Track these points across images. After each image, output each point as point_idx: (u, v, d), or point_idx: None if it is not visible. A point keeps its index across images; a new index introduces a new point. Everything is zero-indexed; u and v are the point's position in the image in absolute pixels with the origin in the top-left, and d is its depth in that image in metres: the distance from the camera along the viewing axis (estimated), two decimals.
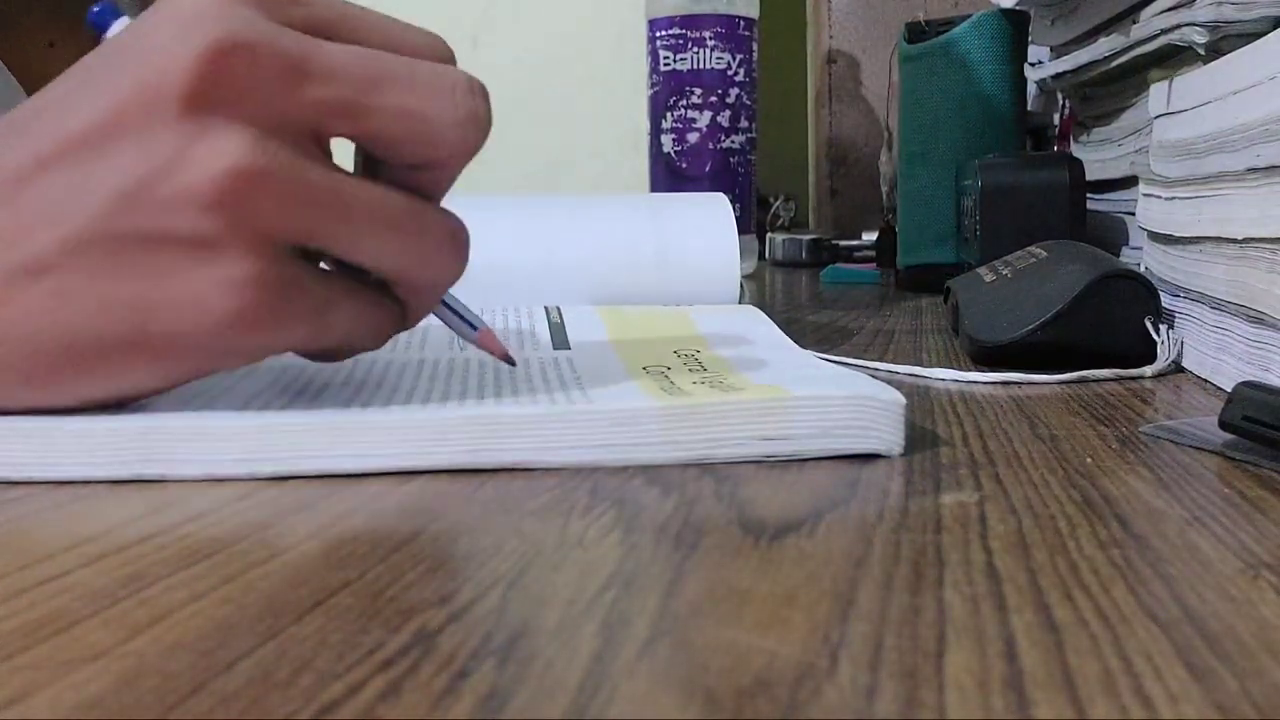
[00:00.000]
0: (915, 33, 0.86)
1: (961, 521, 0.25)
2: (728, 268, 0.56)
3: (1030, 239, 0.56)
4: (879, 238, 1.00)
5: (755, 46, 0.95)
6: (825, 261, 1.13)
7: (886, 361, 0.47)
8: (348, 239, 0.28)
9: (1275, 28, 0.43)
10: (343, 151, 0.30)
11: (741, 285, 0.56)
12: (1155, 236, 0.51)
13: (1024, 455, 0.31)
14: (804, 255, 1.20)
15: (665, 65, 0.93)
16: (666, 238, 0.56)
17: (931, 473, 0.29)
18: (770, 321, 0.48)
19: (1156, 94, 0.51)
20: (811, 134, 1.43)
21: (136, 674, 0.17)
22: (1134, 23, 0.58)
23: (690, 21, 0.92)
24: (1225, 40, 0.48)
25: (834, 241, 1.20)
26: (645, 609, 0.20)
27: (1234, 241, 0.40)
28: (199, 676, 0.17)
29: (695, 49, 0.92)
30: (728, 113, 0.93)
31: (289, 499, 0.27)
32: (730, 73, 0.93)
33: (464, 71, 0.30)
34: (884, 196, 1.01)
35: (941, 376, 0.44)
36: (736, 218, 0.58)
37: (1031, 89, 0.88)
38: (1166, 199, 0.49)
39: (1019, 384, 0.43)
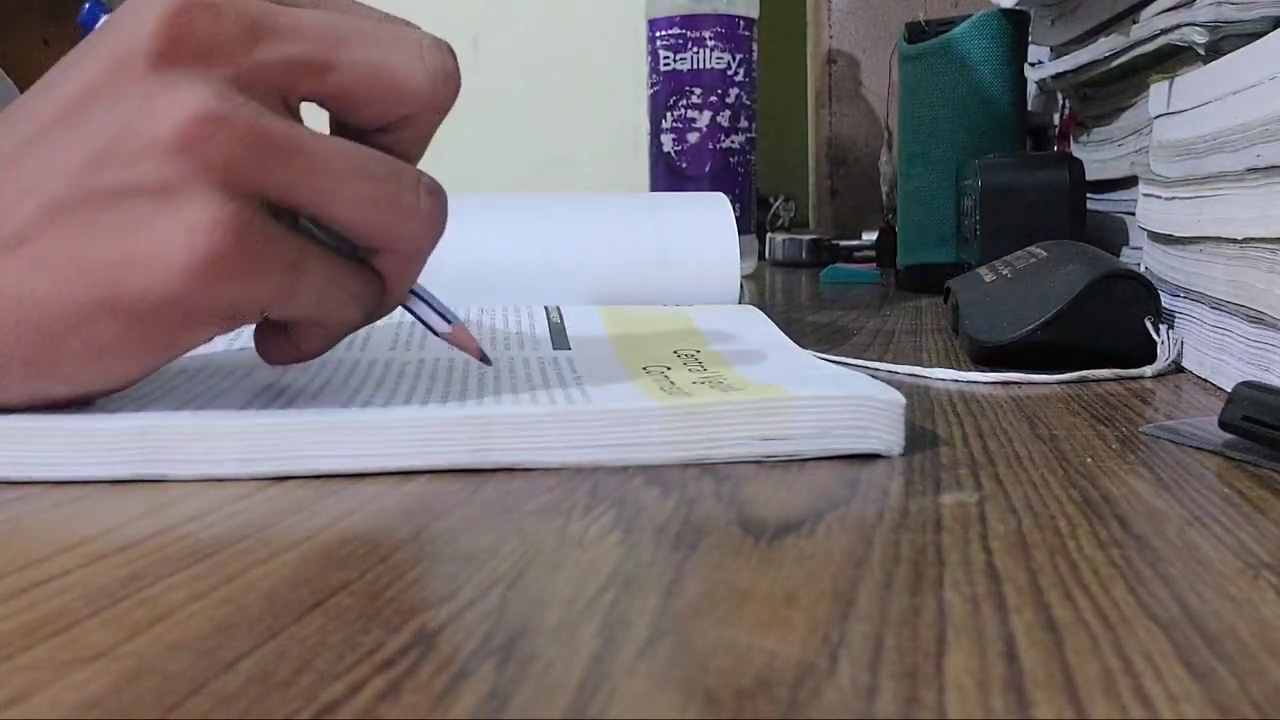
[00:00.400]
0: (915, 33, 0.86)
1: (961, 521, 0.25)
2: (728, 268, 0.56)
3: (1030, 239, 0.56)
4: (879, 238, 1.00)
5: (755, 46, 0.95)
6: (825, 261, 1.13)
7: (886, 361, 0.47)
8: (317, 191, 0.28)
9: (1275, 28, 0.43)
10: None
11: (741, 285, 0.56)
12: (1155, 236, 0.51)
13: (1024, 455, 0.31)
14: (804, 255, 1.20)
15: (665, 65, 0.93)
16: (666, 238, 0.56)
17: (931, 473, 0.29)
18: (770, 321, 0.48)
19: (1156, 94, 0.51)
20: (811, 134, 1.43)
21: (136, 674, 0.17)
22: (1134, 23, 0.58)
23: (690, 21, 0.92)
24: (1225, 40, 0.48)
25: (834, 241, 1.20)
26: (645, 609, 0.20)
27: (1234, 241, 0.40)
28: (199, 676, 0.17)
29: (695, 49, 0.92)
30: (728, 113, 0.93)
31: (289, 499, 0.27)
32: (730, 73, 0.93)
33: (430, 33, 0.30)
34: (884, 196, 1.01)
35: (941, 376, 0.44)
36: (736, 218, 0.58)
37: (1031, 89, 0.88)
38: (1166, 199, 0.49)
39: (1019, 384, 0.43)
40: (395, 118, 0.30)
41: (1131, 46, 0.59)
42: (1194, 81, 0.47)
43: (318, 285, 0.29)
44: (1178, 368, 0.45)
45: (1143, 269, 0.52)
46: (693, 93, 0.93)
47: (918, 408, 0.38)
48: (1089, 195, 0.68)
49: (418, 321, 0.34)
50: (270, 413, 0.30)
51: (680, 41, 0.93)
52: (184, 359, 0.36)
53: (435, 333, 0.33)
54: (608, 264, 0.55)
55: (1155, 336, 0.45)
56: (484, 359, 0.34)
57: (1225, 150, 0.42)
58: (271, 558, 0.22)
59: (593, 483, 0.28)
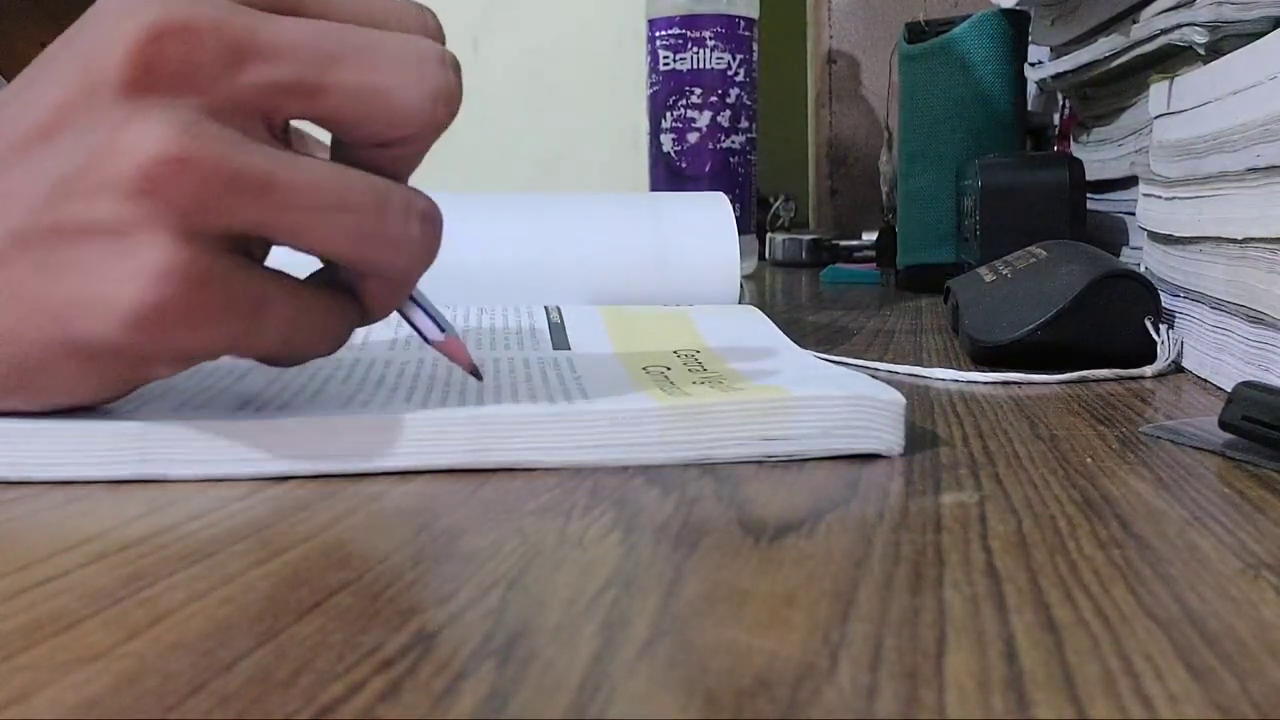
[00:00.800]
0: (915, 33, 0.86)
1: (961, 521, 0.25)
2: (728, 268, 0.56)
3: (1030, 239, 0.56)
4: (879, 238, 1.00)
5: (755, 46, 0.95)
6: (825, 261, 1.13)
7: (886, 361, 0.47)
8: (292, 227, 0.27)
9: (1275, 28, 0.43)
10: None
11: (741, 285, 0.56)
12: (1155, 236, 0.51)
13: (1024, 455, 0.31)
14: (804, 255, 1.20)
15: (665, 65, 0.93)
16: (666, 237, 0.56)
17: (931, 473, 0.29)
18: (770, 322, 0.48)
19: (1156, 94, 0.51)
20: (811, 134, 1.43)
21: (136, 674, 0.17)
22: (1134, 23, 0.58)
23: (690, 21, 0.92)
24: (1225, 40, 0.48)
25: (834, 241, 1.20)
26: (645, 609, 0.20)
27: (1234, 241, 0.40)
28: (199, 676, 0.17)
29: (695, 49, 0.92)
30: (728, 113, 0.93)
31: (289, 499, 0.27)
32: (730, 73, 0.93)
33: (434, 43, 0.28)
34: (884, 196, 1.01)
35: (941, 376, 0.44)
36: (736, 218, 0.58)
37: (1031, 89, 0.88)
38: (1166, 199, 0.49)
39: (1019, 384, 0.43)
40: (389, 139, 0.28)
41: (1131, 46, 0.59)
42: (1194, 81, 0.47)
43: (283, 328, 0.28)
44: (1178, 368, 0.45)
45: (1143, 269, 0.52)
46: (693, 93, 0.93)
47: (918, 408, 0.38)
48: (1089, 195, 0.68)
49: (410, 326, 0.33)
50: (269, 413, 0.30)
51: (680, 41, 0.93)
52: None
53: (427, 340, 0.32)
54: (608, 264, 0.55)
55: (1155, 336, 0.45)
56: (475, 373, 0.33)
57: (1225, 150, 0.42)
58: (271, 558, 0.22)
59: (593, 483, 0.28)
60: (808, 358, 0.40)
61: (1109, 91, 0.69)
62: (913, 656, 0.17)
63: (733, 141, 0.93)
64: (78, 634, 0.18)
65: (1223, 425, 0.31)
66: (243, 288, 0.27)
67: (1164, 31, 0.53)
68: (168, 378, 0.29)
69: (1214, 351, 0.42)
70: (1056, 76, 0.72)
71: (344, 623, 0.19)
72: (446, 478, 0.29)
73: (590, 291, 0.54)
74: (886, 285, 0.92)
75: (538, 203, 0.58)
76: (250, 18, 0.26)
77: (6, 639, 0.18)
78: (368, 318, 0.30)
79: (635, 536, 0.24)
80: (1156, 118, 0.52)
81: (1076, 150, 0.75)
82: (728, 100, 0.93)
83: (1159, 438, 0.33)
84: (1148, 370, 0.44)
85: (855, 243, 1.18)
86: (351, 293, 0.29)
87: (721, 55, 0.92)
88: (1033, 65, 0.81)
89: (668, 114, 0.94)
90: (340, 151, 0.29)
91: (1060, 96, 0.92)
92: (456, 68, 0.28)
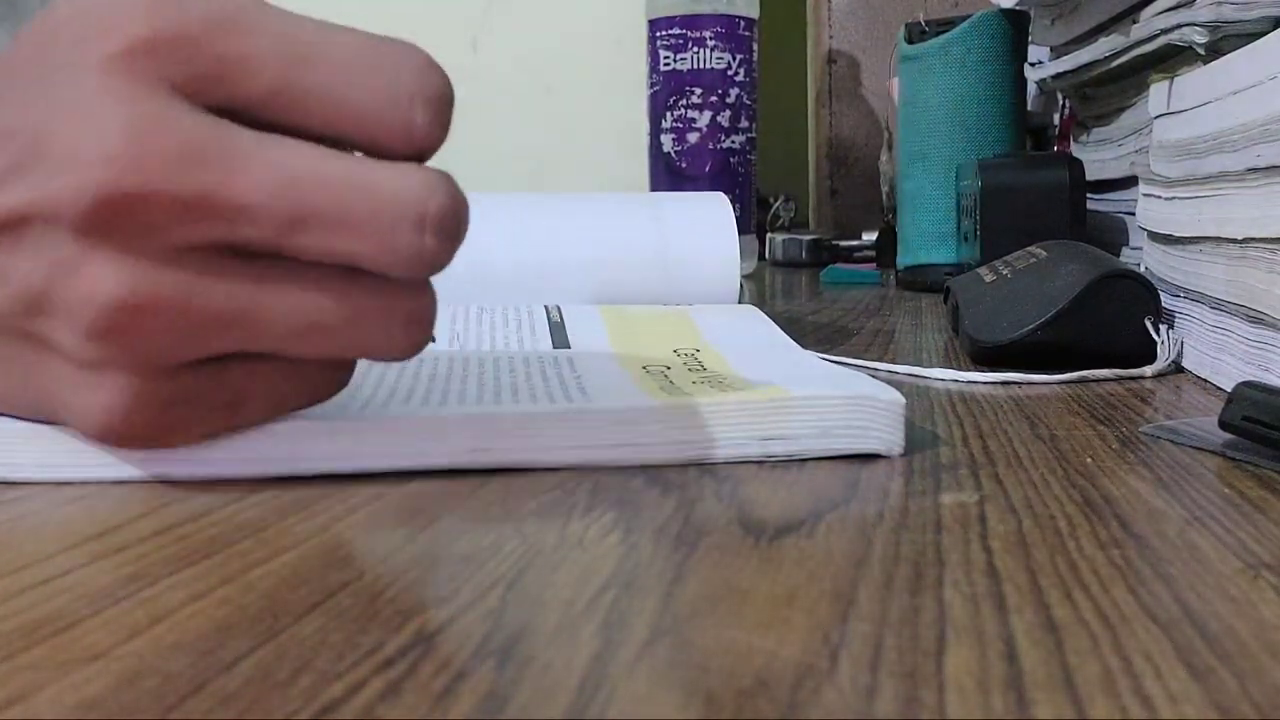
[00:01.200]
0: (915, 33, 0.86)
1: (961, 521, 0.25)
2: (728, 267, 0.56)
3: (1030, 239, 0.56)
4: (879, 238, 1.00)
5: (755, 46, 0.95)
6: (825, 261, 1.13)
7: (886, 361, 0.47)
8: (266, 348, 0.26)
9: (1275, 28, 0.43)
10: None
11: (741, 285, 0.56)
12: (1155, 236, 0.51)
13: (1024, 455, 0.31)
14: (804, 255, 1.20)
15: (665, 65, 0.93)
16: (666, 237, 0.56)
17: (931, 473, 0.29)
18: (770, 321, 0.48)
19: (1156, 94, 0.51)
20: (811, 134, 1.43)
21: (136, 674, 0.17)
22: (1134, 23, 0.58)
23: (690, 21, 0.92)
24: (1225, 40, 0.48)
25: (834, 241, 1.20)
26: (645, 609, 0.20)
27: (1234, 241, 0.40)
28: (199, 676, 0.17)
29: (695, 49, 0.92)
30: (728, 113, 0.93)
31: (289, 499, 0.27)
32: (730, 73, 0.93)
33: (422, 190, 0.25)
34: (884, 196, 1.01)
35: (941, 376, 0.44)
36: (736, 218, 0.58)
37: (1031, 89, 0.88)
38: (1166, 199, 0.49)
39: (1019, 384, 0.43)
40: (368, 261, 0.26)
41: (1131, 46, 0.59)
42: (1194, 81, 0.47)
43: (263, 409, 0.28)
44: (1178, 368, 0.45)
45: (1143, 269, 0.52)
46: (693, 93, 0.93)
47: (918, 408, 0.38)
48: (1089, 195, 0.68)
49: None
50: None
51: (680, 41, 0.93)
52: None
53: None
54: (608, 264, 0.55)
55: (1155, 336, 0.45)
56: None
57: (1225, 150, 0.42)
58: (271, 558, 0.22)
59: (593, 483, 0.28)
60: (808, 357, 0.40)
61: (1109, 91, 0.69)
62: (913, 656, 0.17)
63: (733, 141, 0.93)
64: (78, 634, 0.18)
65: (1223, 425, 0.31)
66: (214, 394, 0.27)
67: (1164, 31, 0.53)
68: None
69: (1214, 351, 0.42)
70: (1056, 76, 0.72)
71: (344, 623, 0.19)
72: (446, 478, 0.29)
73: (590, 291, 0.54)
74: (886, 285, 0.92)
75: (538, 203, 0.58)
76: (212, 173, 0.24)
77: (6, 639, 0.18)
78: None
79: (635, 536, 0.24)
80: (1156, 118, 0.52)
81: (1076, 150, 0.75)
82: (728, 100, 0.93)
83: (1159, 438, 0.33)
84: (1148, 370, 0.44)
85: (855, 243, 1.18)
86: None
87: (721, 55, 0.92)
88: (1033, 65, 0.81)
89: (668, 114, 0.94)
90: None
91: (1060, 96, 0.92)
92: (439, 226, 0.26)
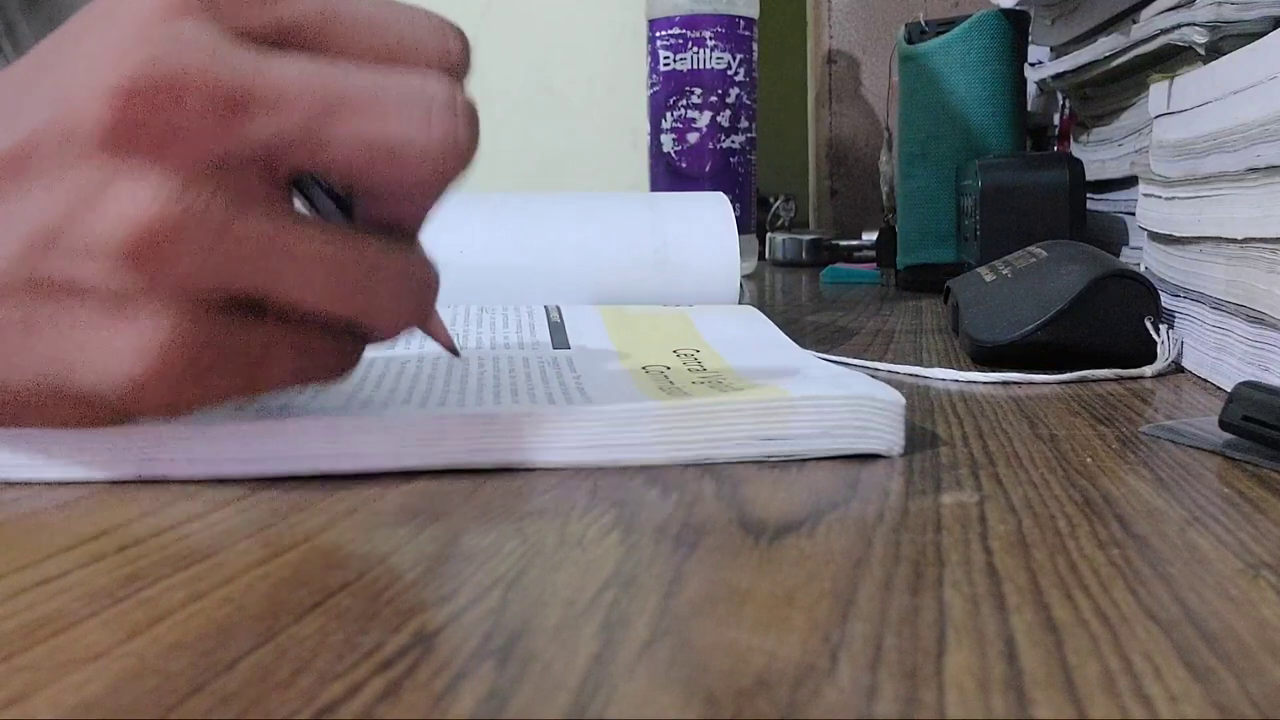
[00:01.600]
0: (915, 33, 0.86)
1: (961, 521, 0.25)
2: (728, 267, 0.56)
3: (1030, 239, 0.56)
4: (879, 238, 1.00)
5: (755, 46, 0.95)
6: (825, 261, 1.13)
7: (886, 361, 0.47)
8: (285, 291, 0.26)
9: (1275, 28, 0.43)
10: None
11: (741, 285, 0.56)
12: (1155, 236, 0.51)
13: (1024, 455, 0.31)
14: (804, 255, 1.20)
15: (665, 65, 0.93)
16: (666, 237, 0.56)
17: (931, 473, 0.29)
18: (769, 322, 0.48)
19: (1156, 94, 0.51)
20: (811, 134, 1.43)
21: (136, 674, 0.17)
22: (1134, 23, 0.58)
23: (690, 21, 0.92)
24: (1225, 40, 0.48)
25: (834, 241, 1.20)
26: (645, 609, 0.20)
27: (1234, 241, 0.40)
28: (199, 676, 0.17)
29: (695, 49, 0.92)
30: (728, 113, 0.93)
31: (289, 499, 0.27)
32: (730, 73, 0.93)
33: (448, 84, 0.26)
34: (884, 196, 1.01)
35: (941, 376, 0.44)
36: (736, 218, 0.58)
37: (1031, 89, 0.88)
38: (1166, 199, 0.49)
39: (1019, 384, 0.43)
40: (393, 191, 0.27)
41: (1131, 46, 0.59)
42: (1194, 81, 0.47)
43: (283, 375, 0.27)
44: (1178, 368, 0.45)
45: (1143, 269, 0.52)
46: (693, 93, 0.93)
47: (918, 408, 0.38)
48: (1089, 195, 0.68)
49: None
50: (270, 413, 0.30)
51: (680, 41, 0.93)
52: None
53: None
54: (608, 264, 0.55)
55: (1155, 336, 0.45)
56: (453, 350, 0.32)
57: (1225, 150, 0.42)
58: (271, 558, 0.22)
59: (593, 483, 0.28)
60: (807, 358, 0.40)
61: (1109, 91, 0.69)
62: (913, 656, 0.17)
63: (733, 141, 0.93)
64: (78, 634, 0.18)
65: (1223, 425, 0.31)
66: (244, 345, 0.26)
67: (1164, 31, 0.53)
68: None
69: (1214, 351, 0.42)
70: (1056, 76, 0.72)
71: (344, 623, 0.19)
72: (446, 478, 0.29)
73: (590, 291, 0.54)
74: (886, 285, 0.92)
75: (538, 203, 0.58)
76: (244, 63, 0.24)
77: (6, 639, 0.18)
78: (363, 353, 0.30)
79: (635, 536, 0.24)
80: (1156, 118, 0.52)
81: (1076, 150, 0.75)
82: (728, 100, 0.93)
83: (1159, 438, 0.33)
84: (1148, 370, 0.44)
85: (855, 243, 1.18)
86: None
87: (721, 55, 0.92)
88: (1033, 65, 0.81)
89: (668, 114, 0.94)
90: (352, 202, 0.28)
91: (1060, 96, 0.92)
92: (469, 116, 0.26)
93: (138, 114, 0.24)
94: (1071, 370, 0.44)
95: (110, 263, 0.24)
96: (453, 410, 0.30)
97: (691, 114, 0.93)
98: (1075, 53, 0.68)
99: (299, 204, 0.28)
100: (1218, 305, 0.42)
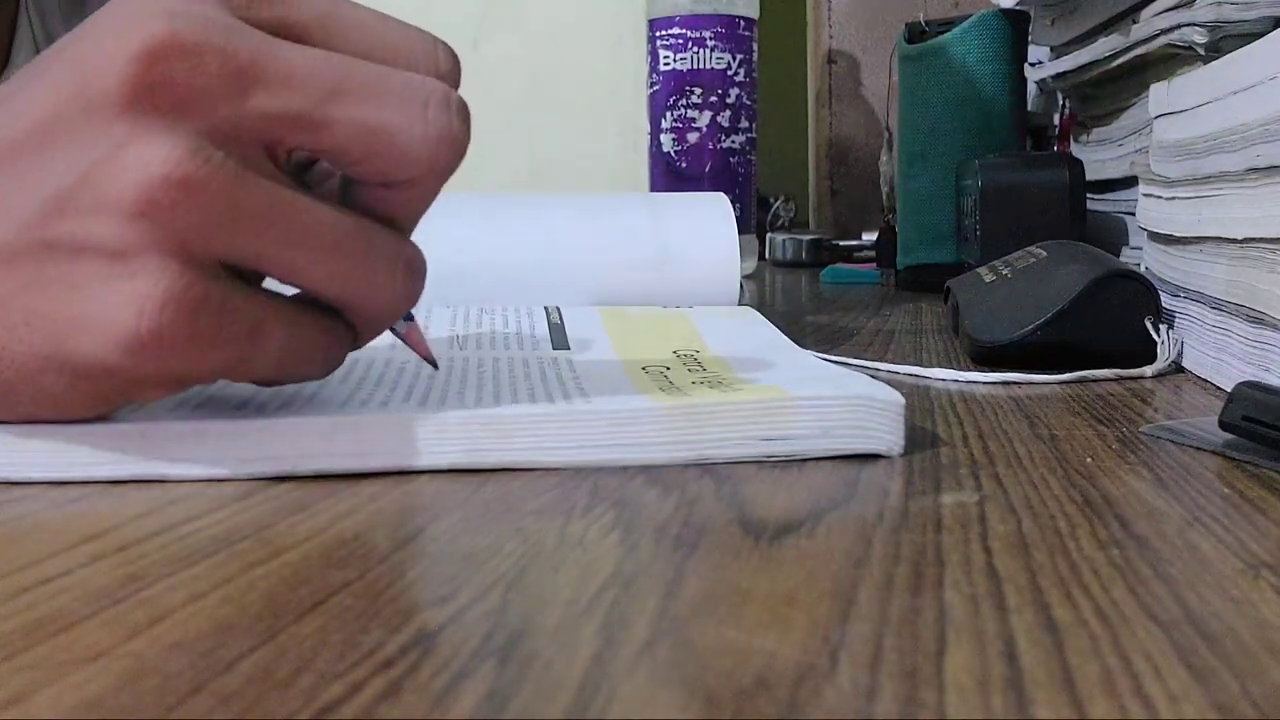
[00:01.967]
0: (915, 33, 0.86)
1: (961, 521, 0.25)
2: (728, 268, 0.56)
3: (1030, 239, 0.56)
4: (879, 238, 1.00)
5: (755, 46, 0.95)
6: (825, 261, 1.13)
7: (886, 361, 0.47)
8: (285, 261, 0.27)
9: (1275, 28, 0.43)
10: None
11: (741, 285, 0.56)
12: (1155, 236, 0.51)
13: (1024, 455, 0.31)
14: (804, 255, 1.20)
15: (665, 65, 0.93)
16: (666, 237, 0.56)
17: (931, 473, 0.29)
18: (769, 323, 0.48)
19: (1156, 94, 0.51)
20: (811, 134, 1.43)
21: (136, 674, 0.17)
22: (1134, 23, 0.58)
23: (690, 21, 0.92)
24: (1225, 40, 0.48)
25: (834, 241, 1.20)
26: (645, 609, 0.20)
27: (1234, 241, 0.40)
28: (199, 676, 0.17)
29: (695, 49, 0.92)
30: (728, 113, 0.93)
31: (289, 499, 0.27)
32: (730, 73, 0.93)
33: (444, 85, 0.28)
34: (884, 196, 1.01)
35: (941, 376, 0.44)
36: (736, 218, 0.58)
37: (1031, 89, 0.88)
38: (1166, 199, 0.49)
39: (1019, 384, 0.43)
40: (391, 180, 0.28)
41: (1131, 46, 0.59)
42: (1194, 81, 0.47)
43: (279, 352, 0.28)
44: (1178, 368, 0.45)
45: (1143, 269, 0.52)
46: (693, 93, 0.93)
47: (918, 408, 0.38)
48: (1089, 195, 0.68)
49: None
50: (270, 413, 0.30)
51: (680, 41, 0.93)
52: None
53: (393, 330, 0.32)
54: (608, 264, 0.55)
55: (1155, 336, 0.45)
56: (431, 362, 0.33)
57: (1225, 150, 0.42)
58: (271, 558, 0.22)
59: (593, 483, 0.28)
60: (807, 358, 0.40)
61: (1109, 91, 0.69)
62: (913, 656, 0.17)
63: (733, 141, 0.93)
64: (78, 634, 0.18)
65: (1223, 425, 0.31)
66: (240, 312, 0.26)
67: (1164, 31, 0.53)
68: (157, 400, 0.29)
69: (1214, 351, 0.42)
70: (1056, 76, 0.72)
71: (344, 623, 0.19)
72: (446, 478, 0.29)
73: (590, 291, 0.54)
74: (886, 285, 0.92)
75: (538, 203, 0.58)
76: (258, 42, 0.26)
77: (6, 639, 0.18)
78: (355, 343, 0.30)
79: (635, 536, 0.24)
80: (1156, 118, 0.52)
81: (1076, 150, 0.75)
82: (728, 100, 0.93)
83: (1159, 438, 0.33)
84: (1148, 370, 0.44)
85: (855, 243, 1.18)
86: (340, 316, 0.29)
87: (721, 55, 0.92)
88: (1033, 65, 0.81)
89: (668, 114, 0.94)
90: (347, 190, 0.29)
91: (1060, 96, 0.92)
92: (464, 114, 0.28)
93: (158, 76, 0.25)
94: (1071, 370, 0.44)
95: (120, 218, 0.25)
96: (453, 410, 0.30)
97: (691, 114, 0.93)
98: (1075, 53, 0.68)
99: None
100: (1218, 305, 0.42)
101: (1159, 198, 0.50)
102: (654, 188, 0.95)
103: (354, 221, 0.27)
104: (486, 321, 0.47)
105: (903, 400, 0.31)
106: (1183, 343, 0.46)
